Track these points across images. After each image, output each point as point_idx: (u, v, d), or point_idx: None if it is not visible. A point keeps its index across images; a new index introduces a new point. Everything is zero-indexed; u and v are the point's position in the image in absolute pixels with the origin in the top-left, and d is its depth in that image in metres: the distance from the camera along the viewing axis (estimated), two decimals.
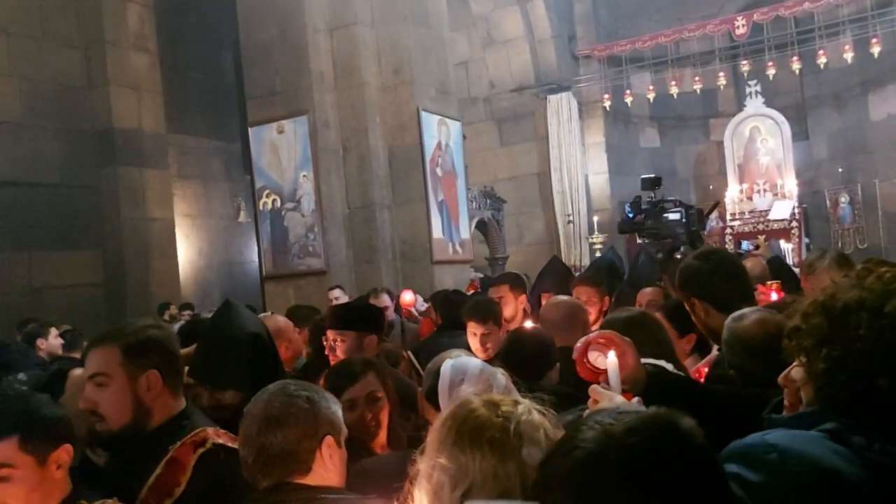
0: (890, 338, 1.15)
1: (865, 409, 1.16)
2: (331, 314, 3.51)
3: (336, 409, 1.76)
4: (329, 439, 1.69)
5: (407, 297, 6.34)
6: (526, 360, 2.66)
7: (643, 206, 7.56)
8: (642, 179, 12.52)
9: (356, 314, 3.39)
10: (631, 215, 7.36)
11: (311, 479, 1.66)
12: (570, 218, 13.72)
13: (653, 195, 10.67)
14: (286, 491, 1.64)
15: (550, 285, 4.67)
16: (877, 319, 1.16)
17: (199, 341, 2.51)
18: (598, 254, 12.62)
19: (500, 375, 1.83)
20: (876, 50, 11.59)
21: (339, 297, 5.92)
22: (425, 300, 6.47)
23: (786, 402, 1.39)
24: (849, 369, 1.18)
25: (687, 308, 2.66)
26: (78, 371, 2.38)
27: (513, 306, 4.32)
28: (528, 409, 1.30)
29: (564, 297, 3.80)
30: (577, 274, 11.30)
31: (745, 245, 10.53)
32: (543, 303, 4.38)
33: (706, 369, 2.75)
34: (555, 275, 4.90)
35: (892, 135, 13.20)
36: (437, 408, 1.89)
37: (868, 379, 1.15)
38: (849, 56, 11.80)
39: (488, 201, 11.19)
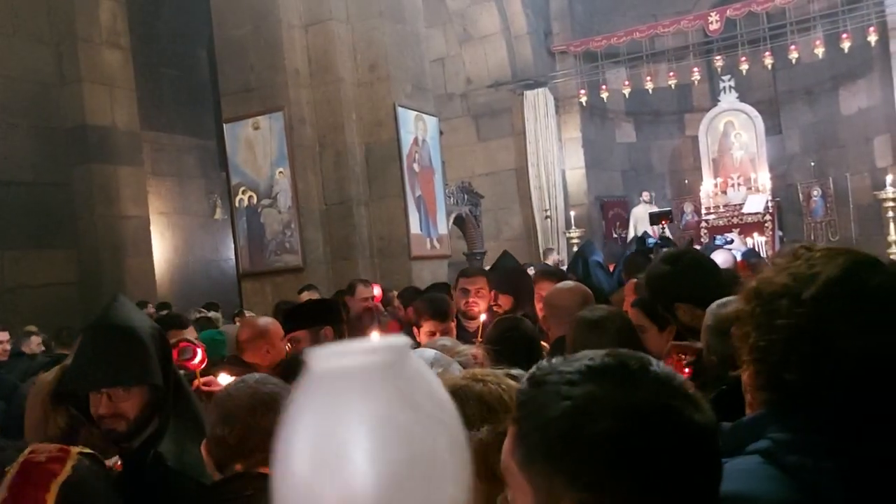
0: (805, 326, 1.09)
1: (787, 410, 1.10)
2: (282, 318, 3.39)
3: None
4: None
5: (375, 291, 6.28)
6: (515, 351, 2.57)
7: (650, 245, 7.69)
8: (650, 214, 12.80)
9: (304, 311, 3.30)
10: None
11: None
12: (548, 213, 13.80)
13: (664, 229, 10.85)
14: (246, 479, 1.64)
15: (498, 281, 4.64)
16: (795, 307, 1.10)
17: (90, 339, 2.12)
18: (575, 248, 12.72)
19: (456, 366, 1.84)
20: (846, 45, 11.77)
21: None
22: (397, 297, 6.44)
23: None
24: (769, 362, 1.13)
25: (664, 314, 2.59)
26: (46, 374, 2.34)
27: (486, 299, 4.21)
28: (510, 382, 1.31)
29: (572, 283, 3.81)
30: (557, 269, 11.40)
31: (719, 240, 10.67)
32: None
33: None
34: (503, 269, 4.87)
35: (862, 129, 13.41)
36: None
37: (779, 373, 1.10)
38: (820, 51, 11.97)
39: (466, 197, 11.21)
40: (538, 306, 4.02)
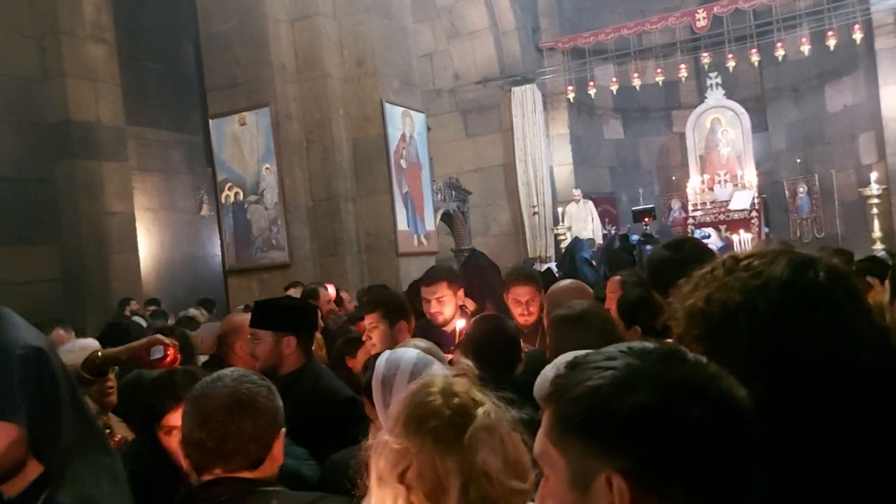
0: (767, 337, 1.09)
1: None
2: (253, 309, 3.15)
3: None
4: (283, 432, 1.68)
5: (330, 290, 6.14)
6: (498, 353, 2.56)
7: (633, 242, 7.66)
8: (633, 211, 12.79)
9: (274, 311, 2.97)
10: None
11: (258, 472, 1.63)
12: (536, 209, 13.81)
13: (646, 226, 10.85)
14: (223, 484, 1.60)
15: (473, 282, 4.50)
16: (753, 319, 1.10)
17: None
18: (563, 245, 12.73)
19: (437, 366, 1.82)
20: (832, 43, 11.84)
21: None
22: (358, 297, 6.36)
23: None
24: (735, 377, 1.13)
25: (659, 300, 2.64)
26: None
27: (453, 304, 3.87)
28: (486, 412, 1.28)
29: (572, 281, 3.76)
30: (544, 265, 11.40)
31: (697, 233, 10.74)
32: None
33: None
34: (464, 270, 4.76)
35: (847, 126, 13.50)
36: (372, 402, 1.88)
37: (747, 384, 1.08)
38: (806, 49, 12.04)
39: (453, 193, 11.19)
40: (516, 310, 3.88)
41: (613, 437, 0.83)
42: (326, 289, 5.82)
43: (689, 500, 0.82)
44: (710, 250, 2.79)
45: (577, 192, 13.82)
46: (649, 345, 0.90)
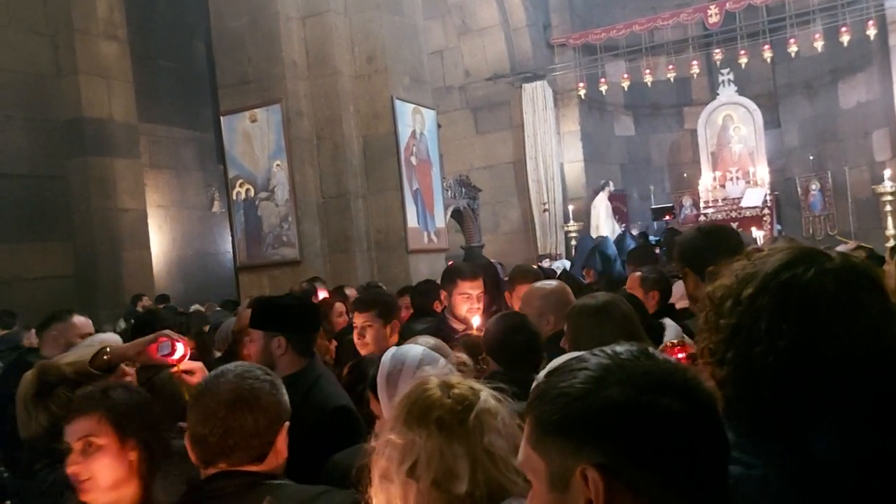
0: (742, 324, 1.10)
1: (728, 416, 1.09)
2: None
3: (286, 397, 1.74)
4: (287, 425, 1.69)
5: (321, 294, 6.09)
6: (520, 351, 2.51)
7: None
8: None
9: (263, 310, 2.83)
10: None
11: (263, 466, 1.65)
12: (546, 206, 13.78)
13: (667, 223, 10.82)
14: (228, 477, 1.61)
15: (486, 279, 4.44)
16: (736, 306, 1.12)
17: None
18: (573, 242, 12.71)
19: (443, 362, 1.82)
20: (845, 39, 11.74)
21: None
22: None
23: None
24: (713, 363, 1.13)
25: (682, 277, 2.66)
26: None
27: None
28: (486, 398, 1.34)
29: (555, 282, 3.76)
30: (555, 263, 11.40)
31: None
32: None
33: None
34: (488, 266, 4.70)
35: (861, 122, 13.39)
36: (378, 398, 1.88)
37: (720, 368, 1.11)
38: (819, 45, 11.95)
39: (464, 190, 11.18)
40: (517, 306, 3.79)
41: (587, 432, 0.85)
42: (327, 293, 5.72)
43: (664, 493, 0.84)
44: (737, 240, 2.78)
45: (611, 186, 13.68)
46: (620, 346, 0.93)
